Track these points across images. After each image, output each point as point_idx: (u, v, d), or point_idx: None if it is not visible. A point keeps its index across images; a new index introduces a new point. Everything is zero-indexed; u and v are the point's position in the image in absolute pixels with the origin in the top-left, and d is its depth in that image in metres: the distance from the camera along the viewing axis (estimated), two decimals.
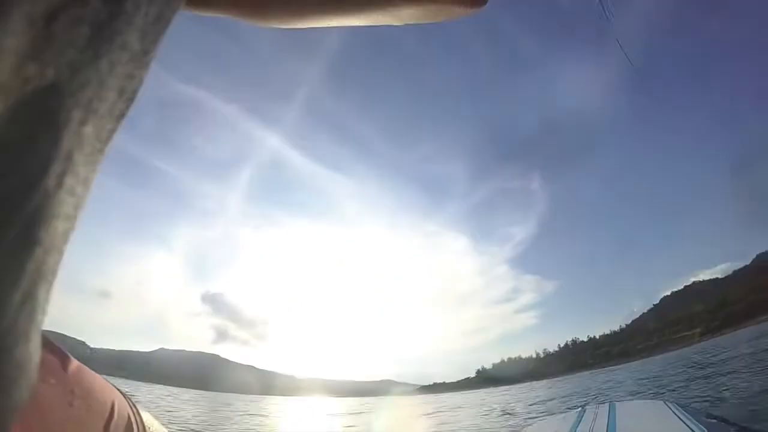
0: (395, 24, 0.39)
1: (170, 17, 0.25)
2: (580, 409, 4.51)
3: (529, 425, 4.76)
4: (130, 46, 0.22)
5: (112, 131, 0.23)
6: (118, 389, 0.66)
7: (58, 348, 0.58)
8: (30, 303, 0.20)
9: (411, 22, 0.40)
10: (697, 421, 3.27)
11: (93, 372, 0.62)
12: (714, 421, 3.46)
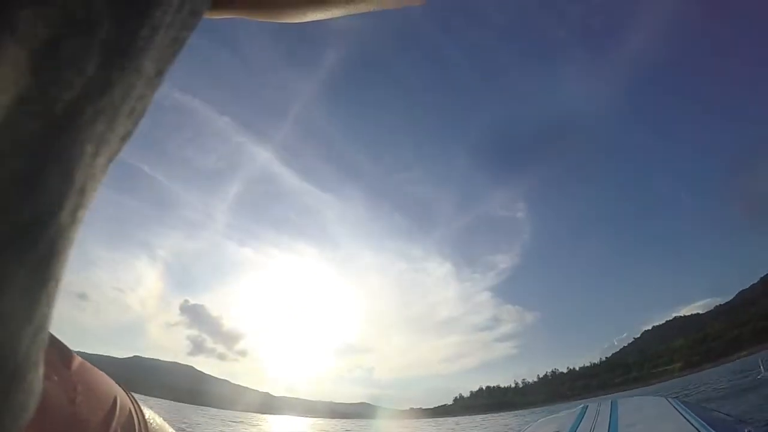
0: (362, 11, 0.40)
1: (187, 37, 0.24)
2: (582, 406, 4.56)
3: (533, 423, 4.78)
4: (145, 70, 0.21)
5: (119, 152, 0.23)
6: (121, 385, 0.66)
7: (61, 344, 0.58)
8: (41, 334, 0.20)
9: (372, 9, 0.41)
10: (699, 417, 3.34)
11: (96, 368, 0.62)
12: (716, 414, 3.54)
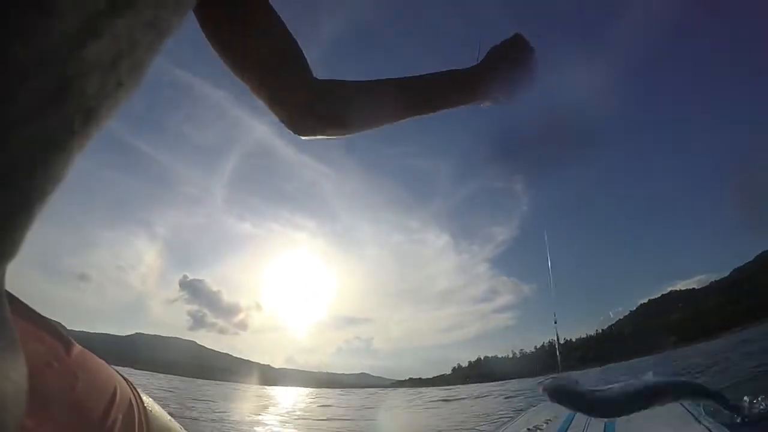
0: None
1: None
2: None
3: (528, 409, 4.76)
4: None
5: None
6: (120, 373, 0.67)
7: (60, 332, 0.58)
8: None
9: None
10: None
11: (95, 356, 0.62)
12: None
